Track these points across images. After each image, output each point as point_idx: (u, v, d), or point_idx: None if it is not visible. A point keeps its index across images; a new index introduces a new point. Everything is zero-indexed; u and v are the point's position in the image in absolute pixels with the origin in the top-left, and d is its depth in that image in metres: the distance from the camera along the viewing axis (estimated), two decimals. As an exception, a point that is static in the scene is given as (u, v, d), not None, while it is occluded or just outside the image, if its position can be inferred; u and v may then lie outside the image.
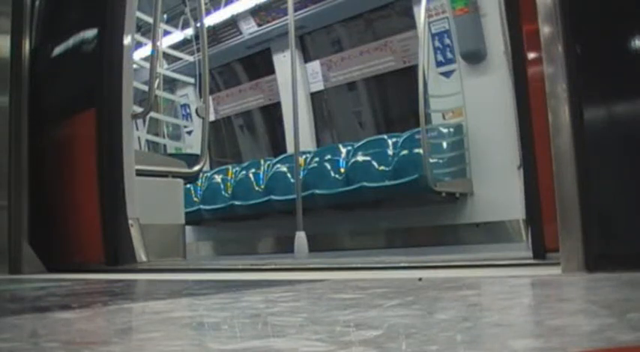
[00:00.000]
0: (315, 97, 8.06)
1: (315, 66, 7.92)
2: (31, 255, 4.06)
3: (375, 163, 6.49)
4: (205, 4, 6.04)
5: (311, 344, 0.82)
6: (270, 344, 0.84)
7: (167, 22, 7.73)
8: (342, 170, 6.78)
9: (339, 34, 7.83)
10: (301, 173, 6.41)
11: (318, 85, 7.91)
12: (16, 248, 4.04)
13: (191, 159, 5.28)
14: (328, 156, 7.02)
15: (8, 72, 4.10)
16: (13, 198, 4.01)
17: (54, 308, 1.57)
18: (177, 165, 4.99)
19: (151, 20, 5.08)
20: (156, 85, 5.09)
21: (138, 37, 5.40)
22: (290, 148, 7.47)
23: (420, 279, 1.79)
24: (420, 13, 5.76)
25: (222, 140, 9.63)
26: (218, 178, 8.18)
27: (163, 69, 6.97)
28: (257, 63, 8.75)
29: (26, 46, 4.24)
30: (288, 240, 5.22)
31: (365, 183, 6.07)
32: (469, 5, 5.87)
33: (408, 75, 6.86)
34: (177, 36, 7.56)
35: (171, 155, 6.53)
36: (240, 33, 8.16)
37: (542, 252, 2.20)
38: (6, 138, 4.03)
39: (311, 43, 8.05)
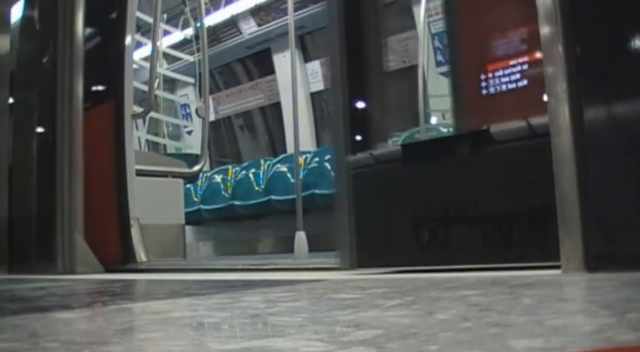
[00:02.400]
0: (315, 97, 8.06)
1: (315, 66, 7.92)
2: (87, 251, 3.87)
3: (375, 163, 6.48)
4: (205, 4, 6.04)
5: (311, 344, 0.82)
6: (270, 344, 0.84)
7: (167, 22, 7.73)
8: (342, 170, 6.76)
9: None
10: (301, 173, 6.40)
11: (318, 85, 7.91)
12: (70, 245, 3.85)
13: (191, 159, 5.28)
14: (328, 156, 7.02)
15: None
16: (66, 193, 3.89)
17: (54, 308, 1.57)
18: (178, 165, 4.99)
19: (151, 20, 5.08)
20: (156, 85, 5.09)
21: (138, 37, 5.40)
22: (290, 148, 7.46)
23: None
24: (420, 13, 5.76)
25: (222, 140, 9.63)
26: (218, 178, 8.18)
27: (163, 69, 6.97)
28: (257, 63, 8.75)
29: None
30: (288, 240, 5.22)
31: (365, 183, 6.05)
32: (469, 5, 5.86)
33: (408, 75, 6.86)
34: (177, 36, 7.55)
35: (171, 155, 6.54)
36: (240, 33, 8.16)
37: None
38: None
39: (311, 43, 8.05)
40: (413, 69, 6.95)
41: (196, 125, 7.06)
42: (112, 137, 4.05)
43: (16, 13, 5.08)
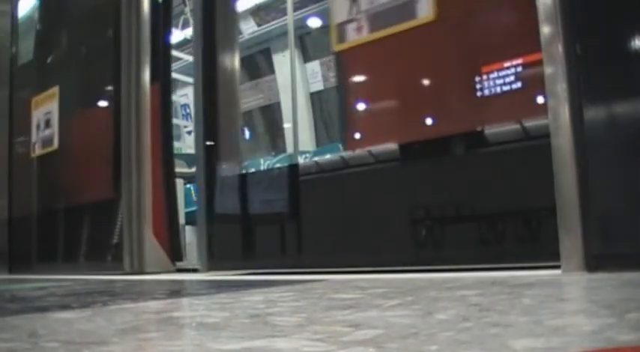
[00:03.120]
0: (315, 97, 8.06)
1: (314, 66, 7.92)
2: (156, 247, 3.55)
3: (374, 163, 6.48)
4: (205, 4, 6.02)
5: (311, 344, 0.82)
6: (270, 344, 0.84)
7: (167, 22, 7.72)
8: (342, 170, 6.77)
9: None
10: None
11: (317, 85, 7.91)
12: (139, 241, 3.52)
13: (191, 159, 5.27)
14: (327, 156, 7.02)
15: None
16: (134, 181, 3.61)
17: (54, 308, 1.57)
18: (177, 165, 4.99)
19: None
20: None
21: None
22: (290, 148, 7.46)
23: None
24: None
25: (222, 140, 9.63)
26: (218, 178, 8.18)
27: (163, 69, 6.97)
28: (257, 63, 8.76)
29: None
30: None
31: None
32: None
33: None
34: (178, 36, 7.56)
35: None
36: (240, 33, 8.16)
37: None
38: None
39: (311, 43, 8.05)
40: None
41: (196, 125, 7.06)
42: (157, 126, 3.82)
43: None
